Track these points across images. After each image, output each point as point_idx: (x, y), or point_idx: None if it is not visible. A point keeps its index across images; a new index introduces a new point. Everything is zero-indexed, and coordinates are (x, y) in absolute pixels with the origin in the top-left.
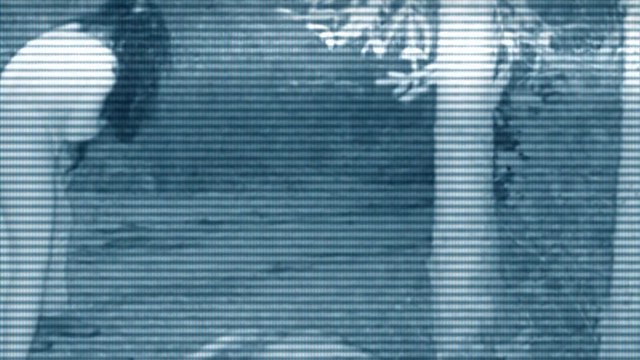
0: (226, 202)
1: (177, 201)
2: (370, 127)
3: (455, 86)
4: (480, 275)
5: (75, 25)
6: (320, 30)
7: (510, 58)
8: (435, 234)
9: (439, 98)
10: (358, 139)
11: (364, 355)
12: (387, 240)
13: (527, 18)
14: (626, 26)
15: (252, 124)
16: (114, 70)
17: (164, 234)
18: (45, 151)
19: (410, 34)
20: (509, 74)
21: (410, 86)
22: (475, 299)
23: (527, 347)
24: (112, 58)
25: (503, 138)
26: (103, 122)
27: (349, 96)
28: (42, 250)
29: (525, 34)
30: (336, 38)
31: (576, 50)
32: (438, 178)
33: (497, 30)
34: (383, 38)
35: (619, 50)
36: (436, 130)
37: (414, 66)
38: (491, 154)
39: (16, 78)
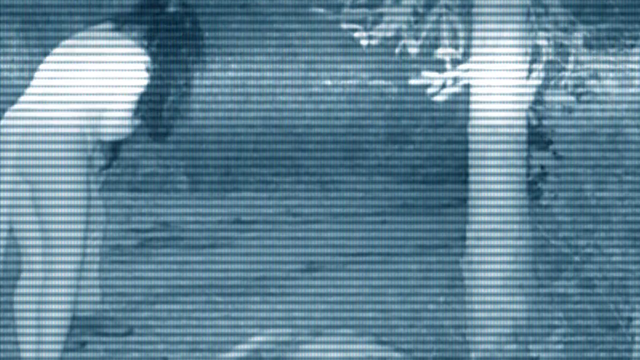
0: (259, 202)
1: (210, 201)
2: (403, 126)
3: (489, 86)
4: (513, 274)
5: (108, 25)
6: (354, 30)
7: (544, 58)
8: (468, 234)
9: (472, 98)
10: (391, 138)
11: (397, 354)
12: (420, 239)
13: (560, 18)
14: None
15: (285, 123)
16: (147, 70)
17: (197, 234)
18: (79, 151)
19: (444, 33)
20: (542, 74)
21: (443, 86)
22: (508, 298)
23: (560, 346)
24: (146, 58)
25: (537, 138)
26: (136, 121)
27: (383, 96)
28: (75, 250)
29: (559, 33)
30: (370, 37)
31: (610, 50)
32: (471, 178)
33: (531, 30)
34: (417, 37)
35: None
36: (470, 129)
37: (448, 66)
38: (525, 154)
39: (50, 78)
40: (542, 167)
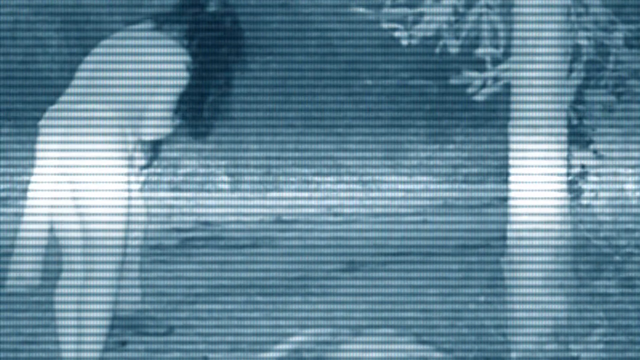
0: (300, 201)
1: (251, 200)
2: (444, 126)
3: (530, 85)
4: (554, 274)
5: (148, 25)
6: (394, 29)
7: (585, 57)
8: (509, 233)
9: (513, 97)
10: (432, 138)
11: (437, 354)
12: (461, 239)
13: (601, 17)
14: None
15: (326, 123)
16: (188, 69)
17: (238, 233)
18: (120, 150)
19: (485, 33)
20: (583, 73)
21: (484, 85)
22: (549, 298)
23: (600, 346)
24: (187, 57)
25: (577, 137)
26: (177, 121)
27: (423, 95)
28: (116, 250)
29: (599, 33)
30: (410, 37)
31: None
32: (512, 177)
33: (571, 29)
34: (457, 37)
35: None
36: (510, 129)
37: (488, 65)
38: (565, 153)
39: (90, 78)
40: (583, 166)
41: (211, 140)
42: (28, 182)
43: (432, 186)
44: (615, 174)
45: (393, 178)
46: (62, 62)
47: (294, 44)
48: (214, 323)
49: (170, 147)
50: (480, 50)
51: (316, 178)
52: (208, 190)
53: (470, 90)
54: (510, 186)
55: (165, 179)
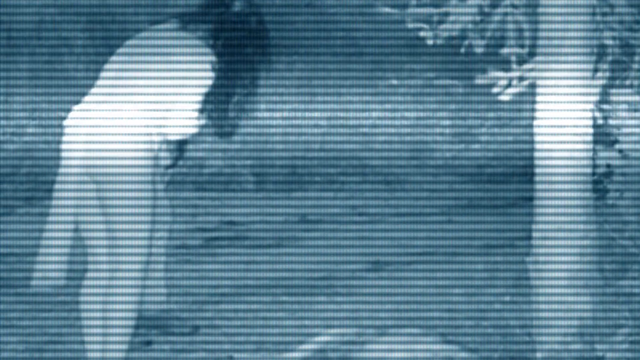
0: (325, 201)
1: (276, 200)
2: (469, 126)
3: (555, 85)
4: (579, 274)
5: (173, 25)
6: (420, 29)
7: (610, 57)
8: (534, 233)
9: (538, 97)
10: (457, 138)
11: (463, 354)
12: (486, 238)
13: (626, 17)
14: None
15: (351, 123)
16: (213, 69)
17: (263, 233)
18: (145, 150)
19: (510, 32)
20: (608, 73)
21: (509, 85)
22: (574, 297)
23: (625, 345)
24: (212, 57)
25: (602, 137)
26: (202, 120)
27: (448, 95)
28: (141, 250)
29: (625, 32)
30: (435, 37)
31: None
32: (537, 177)
33: (597, 29)
34: (482, 37)
35: None
36: (535, 129)
37: (514, 65)
38: (590, 153)
39: (115, 78)
40: (608, 165)
41: (236, 139)
42: (53, 181)
43: (456, 186)
44: None
45: (417, 177)
46: (87, 62)
47: (320, 43)
48: (239, 323)
49: (195, 146)
50: (505, 50)
51: (341, 178)
52: (233, 190)
53: (495, 90)
54: (536, 185)
55: (190, 178)
